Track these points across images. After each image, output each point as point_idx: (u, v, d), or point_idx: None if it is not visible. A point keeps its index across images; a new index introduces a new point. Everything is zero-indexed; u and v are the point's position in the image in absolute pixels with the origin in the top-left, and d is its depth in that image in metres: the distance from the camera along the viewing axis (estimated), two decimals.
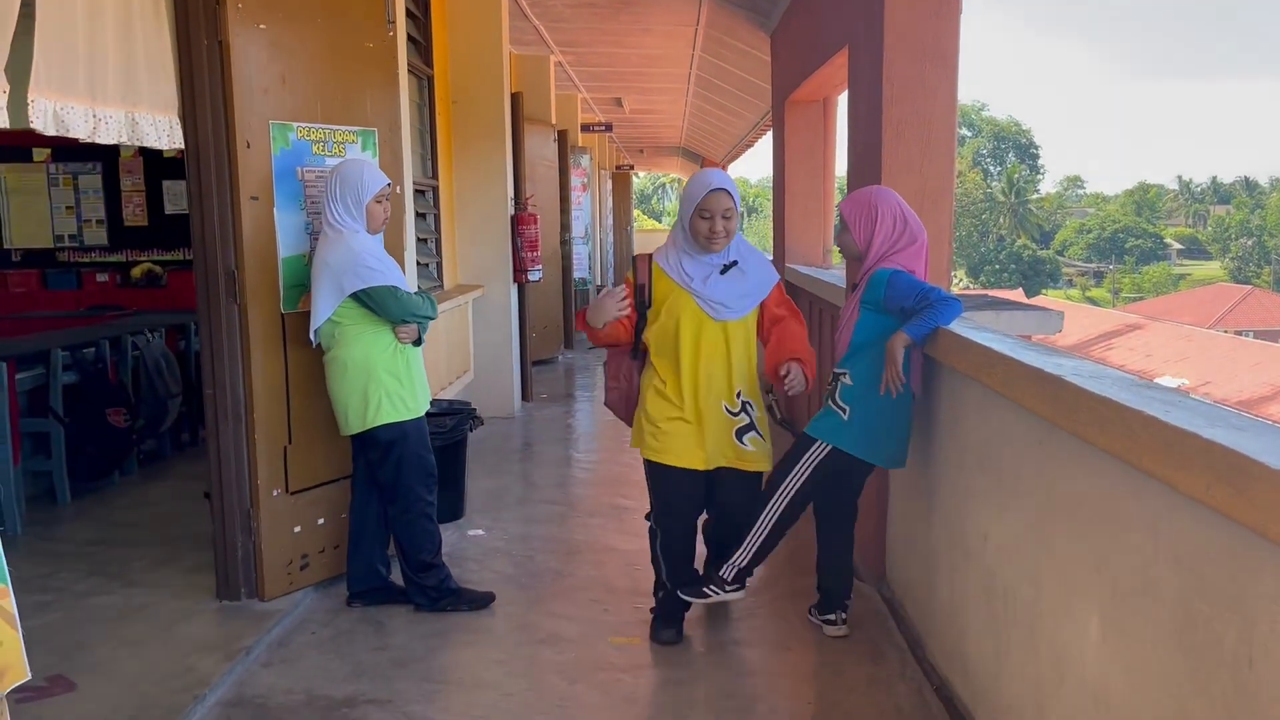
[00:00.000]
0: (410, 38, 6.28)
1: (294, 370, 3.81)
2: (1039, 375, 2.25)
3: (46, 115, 3.06)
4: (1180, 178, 73.81)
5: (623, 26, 8.82)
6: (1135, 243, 61.61)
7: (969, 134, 67.86)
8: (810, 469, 3.25)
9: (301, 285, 3.80)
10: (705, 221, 3.25)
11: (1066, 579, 2.17)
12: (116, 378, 5.63)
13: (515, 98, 7.58)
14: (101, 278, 8.96)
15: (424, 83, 6.53)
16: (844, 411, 3.21)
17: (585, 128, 13.60)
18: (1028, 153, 67.27)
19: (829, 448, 3.24)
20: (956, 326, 3.09)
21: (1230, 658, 1.52)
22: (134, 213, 8.83)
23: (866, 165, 4.06)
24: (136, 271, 8.76)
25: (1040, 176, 67.60)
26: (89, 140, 3.31)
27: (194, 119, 3.56)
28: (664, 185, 70.04)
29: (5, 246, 9.09)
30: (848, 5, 4.53)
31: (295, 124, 3.78)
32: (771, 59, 7.49)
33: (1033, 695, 2.34)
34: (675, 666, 3.34)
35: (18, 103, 2.85)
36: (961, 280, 58.59)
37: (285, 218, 3.75)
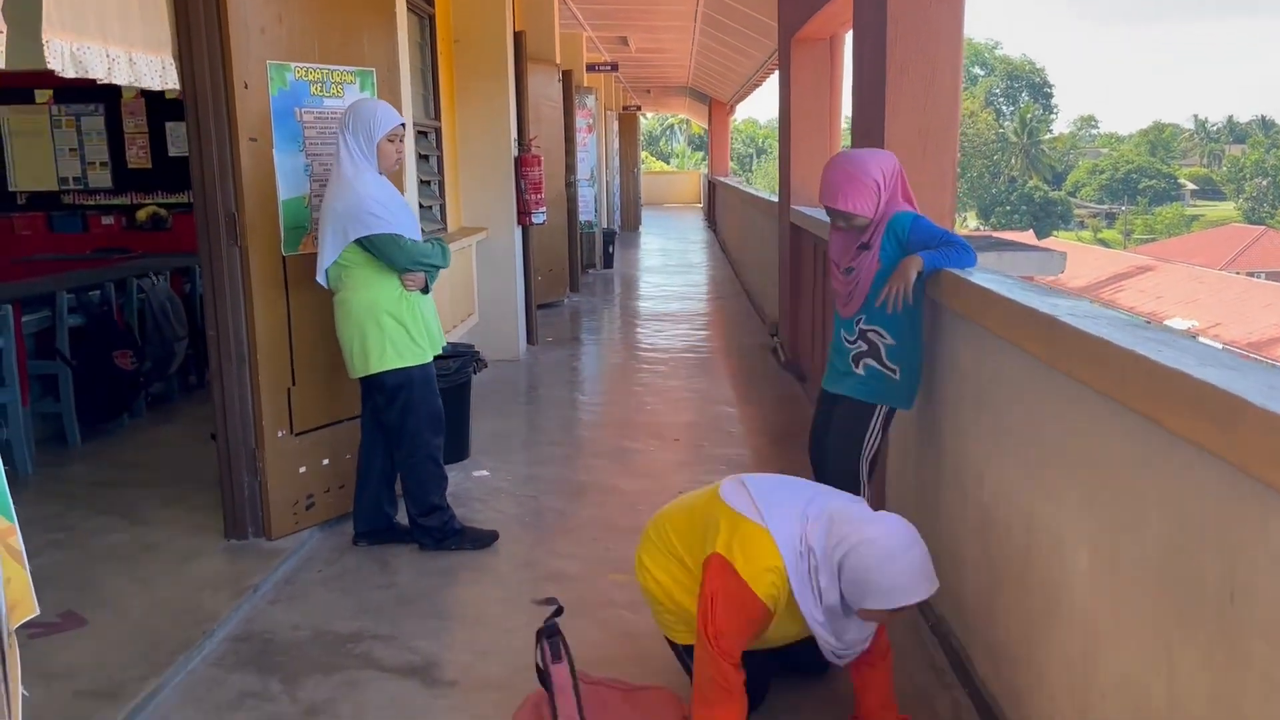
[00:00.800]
0: None
1: (296, 312, 3.82)
2: (1034, 315, 2.25)
3: (64, 56, 3.04)
4: (1196, 117, 72.59)
5: None
6: (1149, 183, 60.89)
7: (981, 73, 66.84)
8: (880, 432, 3.21)
9: (301, 227, 3.79)
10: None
11: (1058, 517, 2.19)
12: (123, 321, 5.65)
13: (518, 36, 7.48)
14: (107, 220, 8.94)
15: (425, 21, 6.45)
16: (894, 373, 3.15)
17: (591, 67, 13.43)
18: (1041, 92, 66.27)
19: (885, 408, 3.21)
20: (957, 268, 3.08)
21: (1213, 593, 1.54)
22: (137, 155, 8.79)
23: (870, 105, 4.01)
24: (141, 214, 8.74)
25: (1053, 116, 66.68)
26: (106, 81, 3.30)
27: (190, 60, 3.53)
28: (672, 126, 69.28)
29: (10, 189, 9.08)
30: None
31: (293, 64, 3.74)
32: None
33: (1024, 631, 2.38)
34: None
35: (21, 44, 2.83)
36: (971, 222, 58.12)
37: (284, 159, 3.73)
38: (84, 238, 9.07)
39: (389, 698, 2.81)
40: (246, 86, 3.58)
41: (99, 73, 3.25)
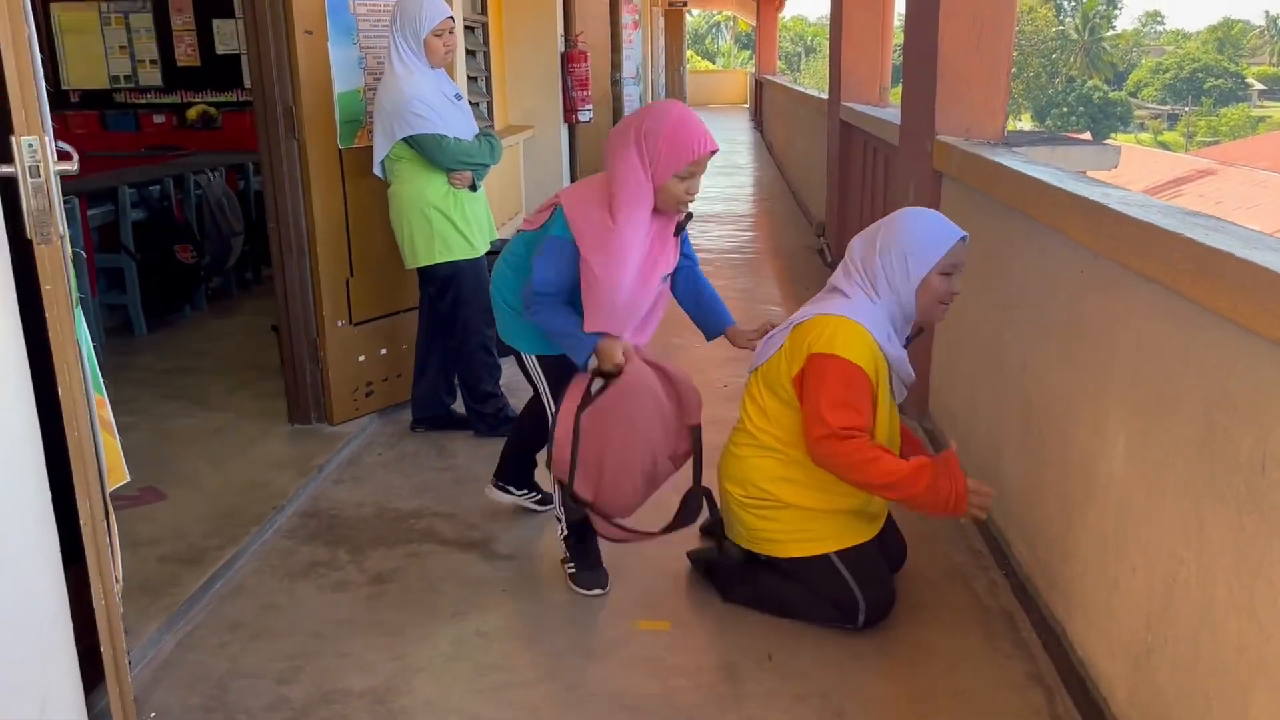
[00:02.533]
0: None
1: (353, 205, 3.91)
2: (1083, 204, 2.28)
3: None
4: (1268, 13, 69.26)
5: None
6: (1214, 83, 58.53)
7: None
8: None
9: (357, 120, 3.85)
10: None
11: (1098, 398, 2.25)
12: (182, 216, 5.80)
13: None
14: (158, 119, 9.05)
15: None
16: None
17: None
18: None
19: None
20: (1007, 159, 3.08)
21: (1245, 462, 1.61)
22: (186, 53, 8.83)
23: None
24: (192, 113, 8.84)
25: (1117, 12, 63.87)
26: None
27: None
28: (718, 24, 67.55)
29: (63, 88, 9.21)
30: None
31: None
32: None
33: (1062, 512, 2.46)
34: None
35: None
36: (1026, 123, 56.46)
37: (339, 52, 3.77)
38: (137, 136, 9.21)
39: (451, 567, 2.97)
40: None
41: None
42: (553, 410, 2.73)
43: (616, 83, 10.50)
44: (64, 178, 1.73)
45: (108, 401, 2.41)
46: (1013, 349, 2.92)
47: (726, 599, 2.76)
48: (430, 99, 3.55)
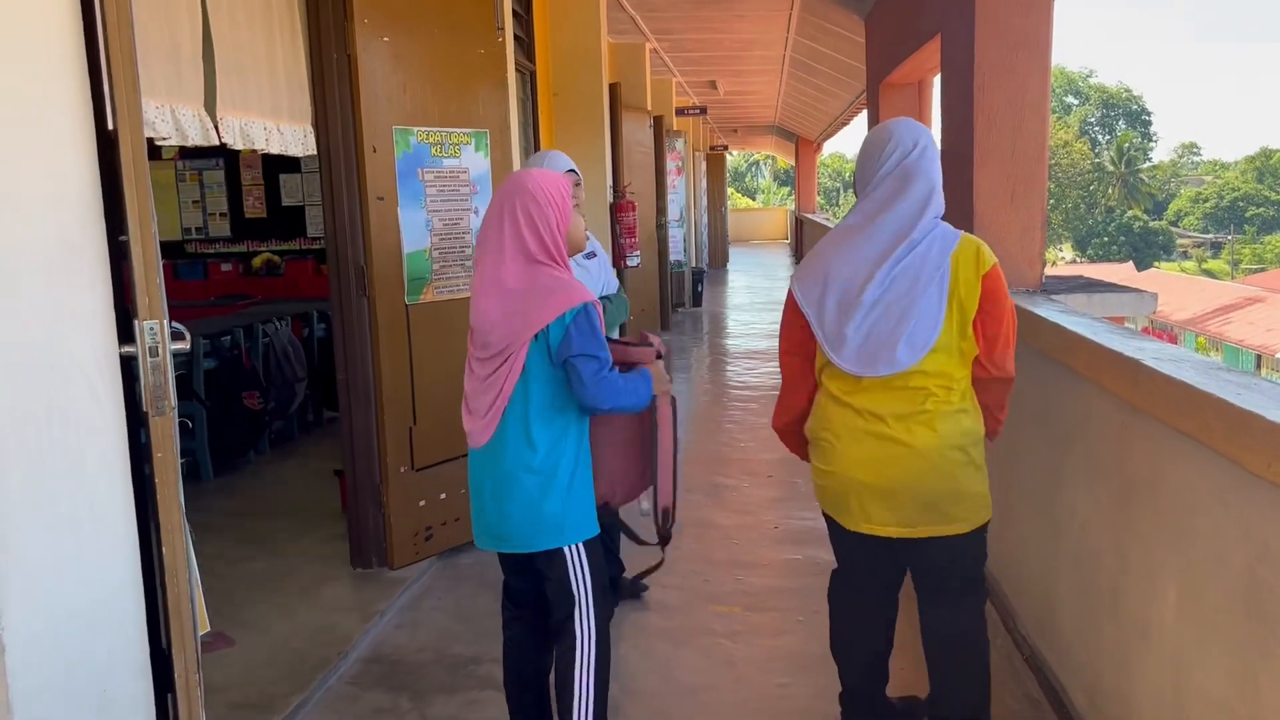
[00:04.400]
0: (515, 36, 6.56)
1: (417, 356, 4.11)
2: (1118, 359, 2.39)
3: (235, 131, 3.48)
4: None
5: (717, 12, 8.95)
6: (1256, 211, 58.72)
7: (1075, 102, 65.56)
8: None
9: (423, 278, 4.10)
10: None
11: (1148, 552, 2.30)
12: (250, 363, 6.07)
13: (613, 88, 7.81)
14: (225, 267, 9.54)
15: (526, 78, 6.80)
16: None
17: (680, 112, 13.77)
18: (1139, 119, 64.65)
19: None
20: (1045, 310, 3.21)
21: None
22: (253, 205, 9.38)
23: (959, 151, 4.15)
24: (257, 261, 9.31)
25: (1152, 144, 64.87)
26: (265, 151, 3.71)
27: (325, 126, 3.88)
28: (757, 162, 69.60)
29: None
30: None
31: (415, 128, 4.07)
32: (866, 42, 7.54)
33: (1118, 662, 2.48)
34: (773, 634, 3.55)
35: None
36: (1067, 253, 56.80)
37: (408, 216, 4.05)
38: (205, 284, 9.71)
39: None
40: (375, 150, 3.91)
41: (260, 143, 3.66)
42: (588, 629, 2.46)
43: (662, 226, 10.89)
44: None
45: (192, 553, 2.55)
46: (1064, 497, 2.98)
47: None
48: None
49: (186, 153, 9.38)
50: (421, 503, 4.18)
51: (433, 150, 4.14)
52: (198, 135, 3.14)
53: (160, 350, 1.84)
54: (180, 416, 5.51)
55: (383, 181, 3.96)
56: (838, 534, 2.59)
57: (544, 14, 7.17)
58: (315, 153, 3.98)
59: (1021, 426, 3.40)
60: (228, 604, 3.83)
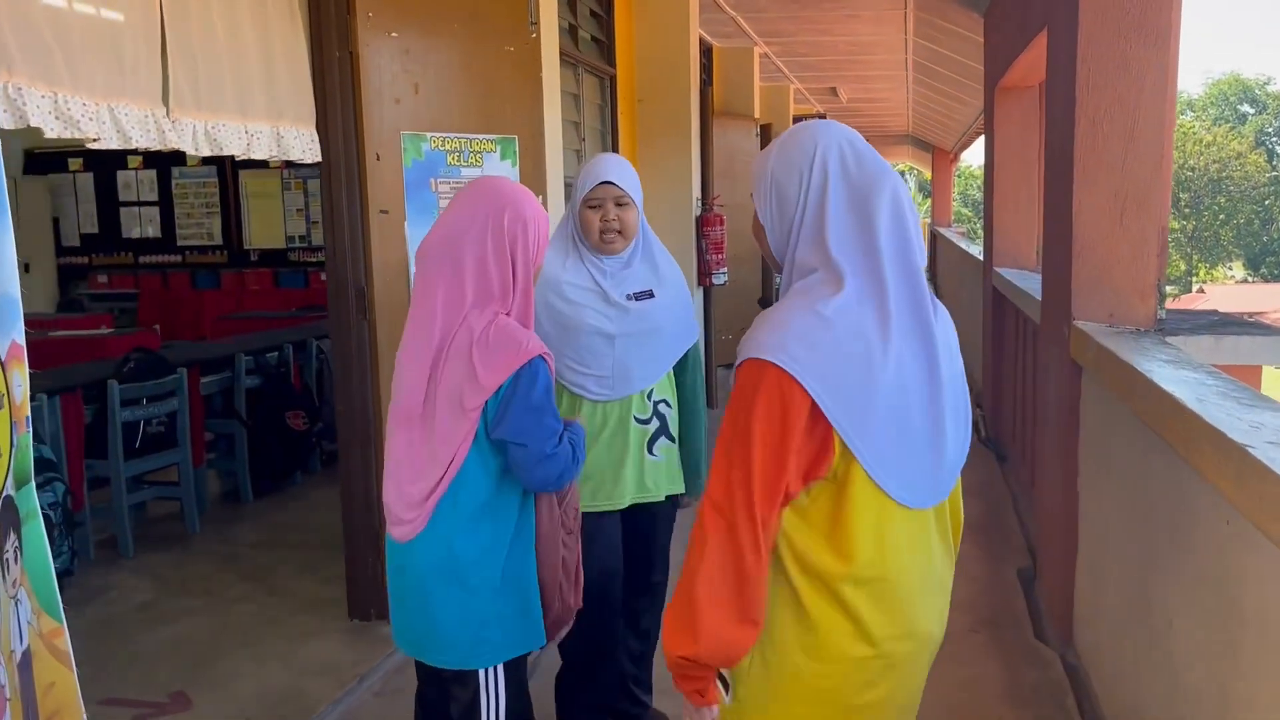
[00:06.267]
0: (594, 39, 6.14)
1: None
2: (1219, 440, 1.74)
3: (196, 135, 3.08)
4: None
5: (826, 14, 8.32)
6: None
7: (1251, 111, 60.96)
8: None
9: None
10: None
11: (1255, 682, 1.66)
12: (300, 381, 5.83)
13: (704, 93, 7.29)
14: (324, 277, 9.49)
15: (605, 82, 6.37)
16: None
17: (797, 120, 13.11)
18: None
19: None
20: (1146, 360, 2.53)
21: None
22: None
23: (1059, 163, 3.48)
24: None
25: None
26: (243, 156, 3.34)
27: (325, 132, 3.51)
28: (902, 172, 67.56)
29: (246, 247, 9.90)
30: None
31: (429, 134, 3.66)
32: (984, 41, 6.79)
33: None
34: None
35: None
36: (1238, 272, 52.80)
37: (418, 232, 3.64)
38: (305, 293, 9.70)
39: None
40: (379, 158, 3.52)
41: (236, 149, 3.29)
42: None
43: None
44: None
45: (65, 630, 2.17)
46: (1158, 599, 2.31)
47: None
48: (568, 292, 2.60)
49: (291, 161, 9.36)
50: None
51: (449, 158, 3.73)
52: (147, 139, 2.78)
53: None
54: (223, 434, 5.29)
55: (388, 192, 3.56)
56: None
57: (627, 17, 6.72)
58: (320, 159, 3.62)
59: (1111, 496, 2.72)
60: (208, 652, 3.52)
